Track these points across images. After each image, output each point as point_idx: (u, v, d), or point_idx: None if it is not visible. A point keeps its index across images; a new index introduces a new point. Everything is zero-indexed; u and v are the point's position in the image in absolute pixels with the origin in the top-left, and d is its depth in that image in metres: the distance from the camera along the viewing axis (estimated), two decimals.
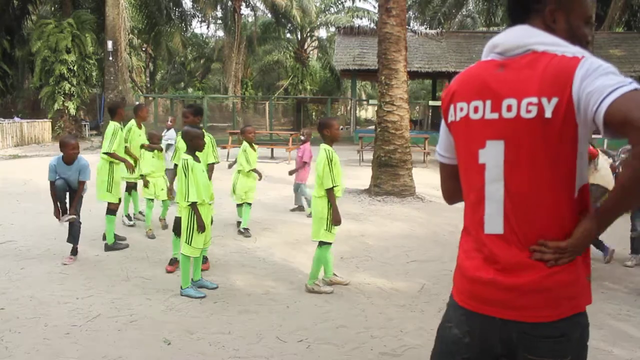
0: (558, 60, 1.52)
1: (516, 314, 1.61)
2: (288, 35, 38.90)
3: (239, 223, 7.66)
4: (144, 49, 38.11)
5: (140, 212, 8.11)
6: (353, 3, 49.84)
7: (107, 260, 6.07)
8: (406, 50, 10.46)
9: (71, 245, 6.07)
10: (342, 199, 10.01)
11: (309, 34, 37.05)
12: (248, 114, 33.75)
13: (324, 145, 5.12)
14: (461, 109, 1.70)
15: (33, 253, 6.34)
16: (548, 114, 1.50)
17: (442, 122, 1.83)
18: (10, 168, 14.12)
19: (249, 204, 7.47)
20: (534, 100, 1.52)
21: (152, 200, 7.58)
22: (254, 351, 3.91)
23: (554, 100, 1.49)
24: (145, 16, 30.65)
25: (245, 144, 7.61)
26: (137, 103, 9.59)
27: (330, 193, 4.98)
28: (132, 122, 7.76)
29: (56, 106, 22.68)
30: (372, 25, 29.57)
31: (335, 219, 5.01)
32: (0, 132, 20.30)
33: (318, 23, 35.62)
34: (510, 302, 1.61)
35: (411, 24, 34.92)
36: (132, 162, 7.24)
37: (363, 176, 11.95)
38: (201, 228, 4.91)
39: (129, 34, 29.05)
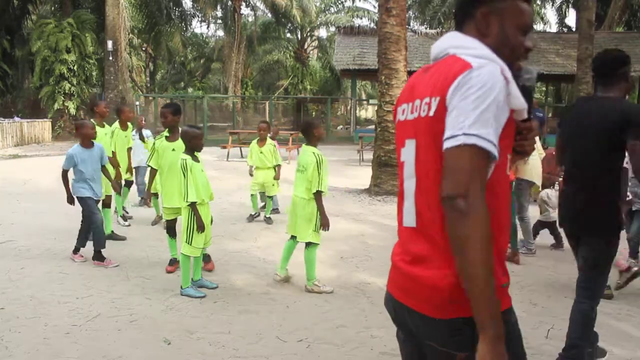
0: (453, 62, 1.56)
1: (414, 303, 1.66)
2: (288, 35, 38.88)
3: (251, 216, 8.25)
4: (144, 48, 38.11)
5: (122, 216, 7.93)
6: (353, 3, 49.78)
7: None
8: (406, 50, 10.46)
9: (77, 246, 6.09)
10: (342, 198, 10.02)
11: (309, 34, 37.02)
12: (248, 113, 33.72)
13: (311, 148, 5.08)
14: (401, 111, 1.79)
15: (33, 253, 6.34)
16: (432, 112, 1.57)
17: None
18: (10, 168, 14.12)
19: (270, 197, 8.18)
20: (427, 99, 1.59)
21: (155, 194, 7.68)
22: (254, 351, 3.91)
23: (437, 99, 1.55)
24: (145, 16, 30.66)
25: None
26: (119, 105, 9.50)
27: (318, 197, 4.98)
28: (116, 124, 7.80)
29: (56, 106, 22.69)
30: (372, 25, 29.57)
31: (323, 223, 5.02)
32: (0, 132, 20.30)
33: (318, 23, 35.60)
34: (411, 290, 1.67)
35: (411, 24, 34.92)
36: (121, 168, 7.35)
37: (363, 176, 11.95)
38: (201, 228, 4.91)
39: (129, 34, 29.05)
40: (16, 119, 22.58)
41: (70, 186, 6.03)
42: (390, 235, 7.53)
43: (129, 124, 8.05)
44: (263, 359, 3.79)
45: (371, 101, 28.85)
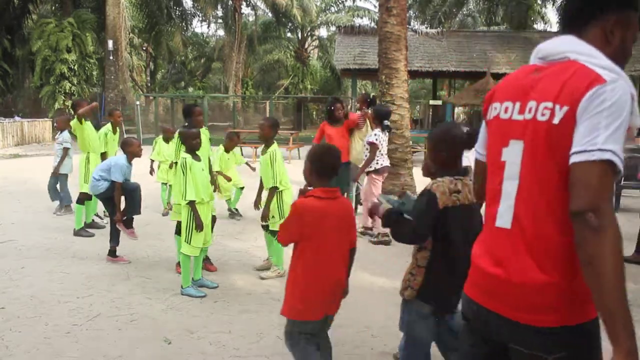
0: (583, 73, 1.55)
1: (500, 307, 1.66)
2: (288, 34, 38.88)
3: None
4: (144, 48, 38.12)
5: (95, 218, 7.87)
6: (353, 2, 49.91)
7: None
8: (407, 50, 10.44)
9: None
10: None
11: (309, 33, 37.04)
12: (248, 113, 33.75)
13: (274, 146, 5.45)
14: (495, 109, 1.79)
15: (33, 252, 6.34)
16: (556, 120, 1.55)
17: (483, 122, 1.92)
18: (10, 167, 14.13)
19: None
20: (550, 105, 1.58)
21: (165, 184, 8.56)
22: (254, 350, 3.91)
23: (565, 109, 1.54)
24: (146, 15, 30.67)
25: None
26: (111, 109, 9.49)
27: (272, 191, 5.39)
28: (108, 126, 7.89)
29: (57, 105, 22.68)
30: (373, 24, 29.53)
31: (262, 215, 5.46)
32: (0, 132, 20.30)
33: (318, 22, 35.61)
34: (498, 294, 1.67)
35: (412, 23, 34.88)
36: None
37: (363, 175, 11.93)
38: (199, 227, 4.91)
39: (129, 33, 29.07)
40: (17, 118, 22.60)
41: (89, 185, 6.19)
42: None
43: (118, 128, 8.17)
44: (264, 359, 3.80)
45: None
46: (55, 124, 8.66)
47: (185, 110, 5.94)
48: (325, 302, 3.04)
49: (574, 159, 1.49)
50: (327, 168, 3.05)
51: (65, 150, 8.17)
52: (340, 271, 3.10)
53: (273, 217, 5.48)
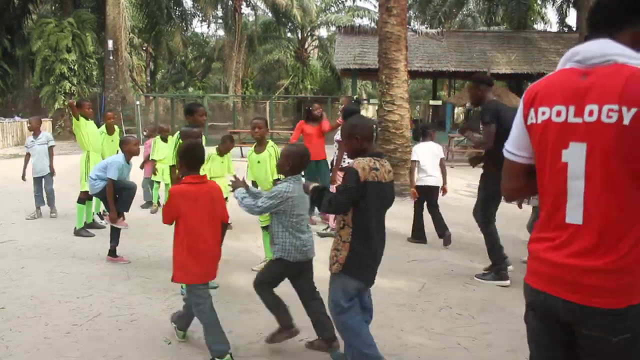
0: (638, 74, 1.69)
1: (580, 297, 1.79)
2: (288, 34, 38.86)
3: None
4: (144, 48, 38.10)
5: (95, 218, 7.92)
6: (354, 2, 49.93)
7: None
8: (407, 50, 10.46)
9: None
10: None
11: (309, 33, 37.02)
12: (248, 113, 33.70)
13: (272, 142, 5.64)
14: (543, 113, 1.87)
15: (33, 252, 6.34)
16: (626, 121, 1.67)
17: (517, 123, 2.00)
18: (11, 167, 14.12)
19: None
20: (615, 107, 1.68)
21: (158, 182, 8.92)
22: (254, 350, 3.91)
23: (633, 110, 1.65)
24: (146, 15, 30.67)
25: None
26: (110, 108, 9.58)
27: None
28: (102, 128, 7.94)
29: (57, 105, 22.68)
30: (373, 24, 29.53)
31: None
32: (0, 132, 20.30)
33: (318, 22, 35.59)
34: (571, 283, 1.80)
35: (412, 24, 34.91)
36: None
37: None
38: None
39: (129, 33, 29.06)
40: (17, 118, 22.60)
41: (88, 185, 6.18)
42: (391, 234, 7.51)
43: (115, 127, 8.26)
44: (263, 359, 3.80)
45: (372, 101, 28.80)
46: (28, 125, 8.57)
47: (188, 109, 5.87)
48: (202, 269, 3.67)
49: None
50: (195, 160, 3.77)
51: (50, 149, 8.25)
52: (212, 243, 3.72)
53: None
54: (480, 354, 3.94)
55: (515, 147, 2.02)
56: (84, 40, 22.92)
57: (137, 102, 23.33)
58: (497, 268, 5.56)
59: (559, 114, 1.82)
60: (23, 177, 8.37)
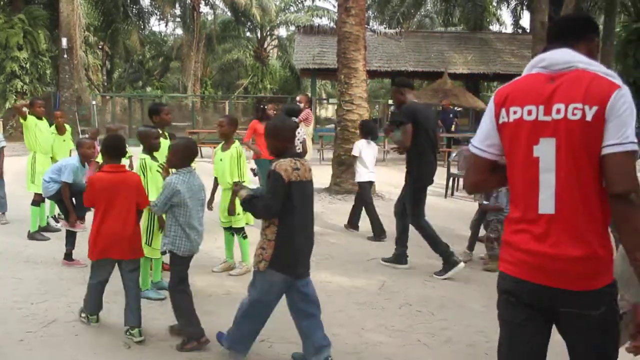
0: (600, 80, 1.95)
1: (562, 282, 1.98)
2: (248, 34, 38.65)
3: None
4: (100, 46, 37.25)
5: (50, 221, 7.71)
6: (313, 2, 50.07)
7: (62, 264, 5.91)
8: (365, 50, 10.54)
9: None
10: None
11: (268, 33, 36.91)
12: (208, 113, 33.37)
13: (237, 143, 5.63)
14: (515, 112, 2.07)
15: None
16: (589, 117, 1.91)
17: (487, 121, 2.19)
18: None
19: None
20: (579, 105, 1.93)
21: None
22: (215, 351, 3.88)
23: (595, 108, 1.90)
24: (102, 13, 30.00)
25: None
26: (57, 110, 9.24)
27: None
28: (52, 128, 7.74)
29: (8, 105, 21.97)
30: (332, 24, 29.62)
31: (229, 210, 5.60)
32: None
33: (278, 22, 35.52)
34: (552, 270, 1.98)
35: (370, 24, 35.13)
36: None
37: (323, 175, 11.99)
38: (162, 228, 4.84)
39: (84, 31, 28.36)
40: None
41: (42, 188, 6.03)
42: (351, 234, 7.59)
43: (67, 127, 8.08)
44: (225, 359, 3.78)
45: (331, 100, 28.95)
46: None
47: (154, 109, 5.63)
48: (115, 248, 4.08)
49: (610, 150, 1.89)
50: (116, 150, 4.20)
51: (1, 150, 7.71)
52: (127, 225, 4.09)
53: (238, 213, 5.55)
54: (440, 350, 4.02)
55: (483, 143, 2.21)
56: (36, 38, 22.29)
57: (94, 102, 22.82)
58: (446, 257, 5.73)
59: (529, 112, 2.03)
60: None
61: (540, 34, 17.11)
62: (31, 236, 6.98)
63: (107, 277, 4.23)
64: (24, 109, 7.37)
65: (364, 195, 7.44)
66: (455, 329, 4.36)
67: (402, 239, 6.18)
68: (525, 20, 33.38)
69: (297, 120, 7.65)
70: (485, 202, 6.25)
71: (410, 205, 5.91)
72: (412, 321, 4.54)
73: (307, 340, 3.64)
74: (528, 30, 28.34)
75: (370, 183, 7.57)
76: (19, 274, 5.56)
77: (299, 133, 7.20)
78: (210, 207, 5.66)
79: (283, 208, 3.35)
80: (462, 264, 5.69)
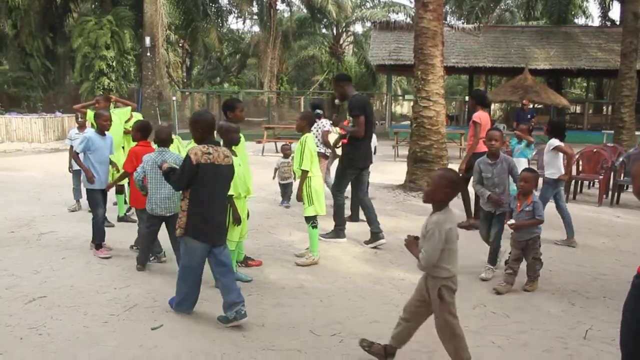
0: None
1: None
2: (323, 30, 38.87)
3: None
4: (180, 44, 38.61)
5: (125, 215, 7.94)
6: None
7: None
8: (443, 45, 10.32)
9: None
10: (377, 194, 9.96)
11: (344, 29, 36.96)
12: (283, 108, 33.85)
13: (307, 134, 5.88)
14: None
15: (73, 243, 6.49)
16: None
17: None
18: (52, 161, 14.53)
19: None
20: None
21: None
22: (286, 344, 3.93)
23: None
24: (182, 12, 31.05)
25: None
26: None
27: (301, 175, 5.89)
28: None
29: None
30: (408, 20, 29.31)
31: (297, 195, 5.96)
32: (42, 127, 20.85)
33: (354, 18, 35.50)
34: None
35: (448, 19, 34.50)
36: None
37: (398, 172, 11.87)
38: (237, 221, 4.95)
39: (166, 30, 29.50)
40: (57, 113, 23.16)
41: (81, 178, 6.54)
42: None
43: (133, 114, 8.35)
44: (295, 352, 3.81)
45: (407, 97, 28.58)
46: (81, 120, 8.53)
47: (229, 105, 5.76)
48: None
49: None
50: (146, 133, 5.87)
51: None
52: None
53: (303, 203, 5.79)
54: (514, 354, 3.88)
55: None
56: (122, 37, 23.37)
57: (174, 98, 23.66)
58: (338, 228, 6.67)
59: None
60: (70, 169, 8.48)
61: (632, 26, 16.10)
62: (121, 219, 7.68)
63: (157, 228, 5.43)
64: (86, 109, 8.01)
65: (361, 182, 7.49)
66: (532, 333, 4.20)
67: (339, 216, 6.71)
68: (615, 12, 31.71)
69: (320, 112, 8.32)
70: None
71: (338, 181, 6.74)
72: (486, 322, 4.42)
73: (224, 297, 4.19)
74: (618, 23, 26.92)
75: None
76: (104, 261, 5.84)
77: (323, 125, 8.28)
78: (299, 199, 5.93)
79: (194, 184, 4.07)
80: (344, 239, 6.59)
